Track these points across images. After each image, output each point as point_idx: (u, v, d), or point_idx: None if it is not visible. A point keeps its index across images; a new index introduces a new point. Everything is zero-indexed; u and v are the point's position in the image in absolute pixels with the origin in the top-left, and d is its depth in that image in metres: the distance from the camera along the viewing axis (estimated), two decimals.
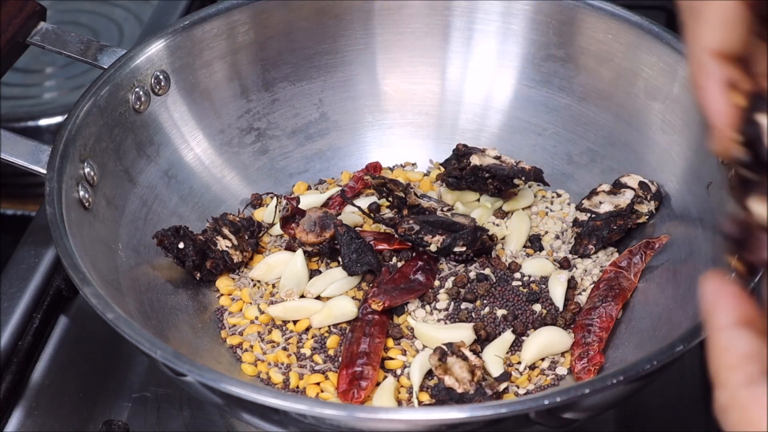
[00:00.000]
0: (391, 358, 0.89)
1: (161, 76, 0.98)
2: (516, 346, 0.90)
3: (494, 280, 0.93)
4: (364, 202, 1.01)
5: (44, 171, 0.86)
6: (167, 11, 1.36)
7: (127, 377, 0.95)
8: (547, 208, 1.02)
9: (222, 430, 0.93)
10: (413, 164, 1.08)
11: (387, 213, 1.00)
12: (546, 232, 1.00)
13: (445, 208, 0.97)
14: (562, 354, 0.89)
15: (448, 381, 0.81)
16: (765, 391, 0.50)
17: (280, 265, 0.95)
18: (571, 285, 0.94)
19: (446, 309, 0.92)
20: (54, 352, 0.97)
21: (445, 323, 0.91)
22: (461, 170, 0.98)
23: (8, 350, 0.94)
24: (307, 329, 0.92)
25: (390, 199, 0.96)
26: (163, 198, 0.98)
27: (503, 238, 0.98)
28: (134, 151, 0.96)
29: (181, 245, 0.91)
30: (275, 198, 1.02)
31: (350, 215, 1.00)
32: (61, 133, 0.89)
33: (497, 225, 1.00)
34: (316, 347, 0.90)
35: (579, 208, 0.99)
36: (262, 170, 1.05)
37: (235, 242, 0.95)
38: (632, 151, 1.01)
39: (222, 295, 0.95)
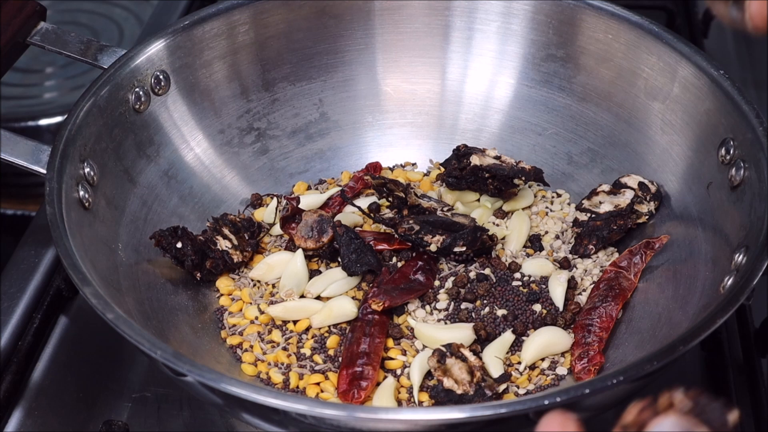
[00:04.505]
0: (391, 358, 0.89)
1: (161, 76, 0.98)
2: (516, 346, 0.90)
3: (494, 280, 0.93)
4: (364, 202, 1.01)
5: (44, 171, 0.86)
6: (167, 11, 1.36)
7: (127, 377, 0.95)
8: (547, 208, 1.02)
9: (222, 430, 0.93)
10: (413, 164, 1.08)
11: (387, 213, 1.00)
12: (546, 232, 1.00)
13: (445, 208, 0.97)
14: (562, 354, 0.89)
15: (447, 383, 0.81)
16: None
17: (280, 265, 0.95)
18: (571, 285, 0.94)
19: (446, 309, 0.92)
20: (54, 352, 0.97)
21: (445, 323, 0.91)
22: (461, 170, 0.98)
23: (8, 350, 0.94)
24: (307, 329, 0.92)
25: (390, 199, 0.96)
26: (163, 198, 0.98)
27: (503, 238, 0.98)
28: (134, 151, 0.96)
29: (179, 245, 0.91)
30: (275, 198, 1.02)
31: (350, 215, 1.00)
32: (61, 133, 0.89)
33: (497, 225, 1.00)
34: (316, 347, 0.90)
35: (579, 208, 0.99)
36: (262, 170, 1.05)
37: (235, 242, 0.95)
38: (632, 151, 1.01)
39: (222, 295, 0.95)
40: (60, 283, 0.99)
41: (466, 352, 0.83)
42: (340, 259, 0.94)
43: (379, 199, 1.00)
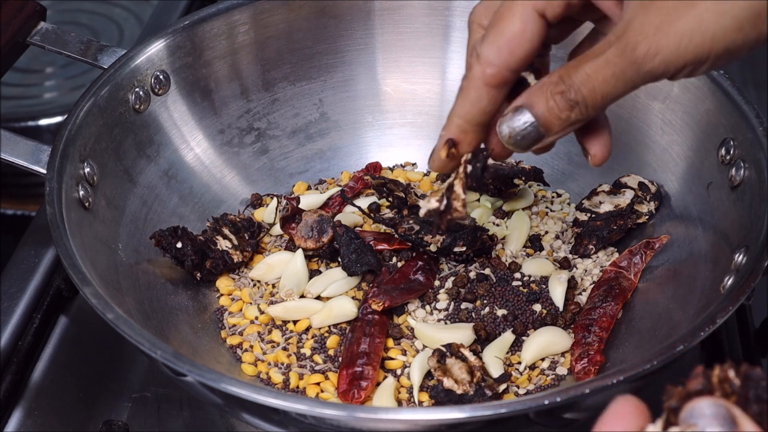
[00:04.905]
0: (391, 358, 0.89)
1: (161, 76, 0.98)
2: (516, 346, 0.90)
3: (494, 280, 0.93)
4: (364, 202, 1.01)
5: (44, 171, 0.86)
6: (167, 11, 1.36)
7: (127, 377, 0.95)
8: (547, 208, 1.02)
9: (222, 430, 0.93)
10: (413, 164, 1.08)
11: (387, 213, 1.00)
12: (546, 232, 1.00)
13: None
14: (562, 354, 0.89)
15: (447, 383, 0.81)
16: None
17: (280, 265, 0.95)
18: (571, 285, 0.94)
19: (446, 309, 0.92)
20: (54, 352, 0.97)
21: (445, 323, 0.91)
22: None
23: (8, 350, 0.94)
24: (307, 329, 0.92)
25: (390, 199, 0.96)
26: (163, 198, 0.98)
27: (503, 238, 0.98)
28: (134, 151, 0.96)
29: (179, 245, 0.91)
30: (275, 198, 1.02)
31: (350, 215, 1.00)
32: (61, 133, 0.89)
33: (497, 225, 1.00)
34: (316, 347, 0.90)
35: (579, 208, 0.99)
36: (262, 170, 1.05)
37: (236, 242, 0.95)
38: (632, 151, 1.00)
39: (222, 295, 0.95)
40: (60, 283, 0.99)
41: (466, 352, 0.83)
42: (340, 259, 0.94)
43: (379, 199, 1.00)
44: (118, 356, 0.97)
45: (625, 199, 0.97)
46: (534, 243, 0.99)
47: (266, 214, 1.01)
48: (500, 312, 0.91)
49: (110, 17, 1.44)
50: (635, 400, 0.49)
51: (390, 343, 0.90)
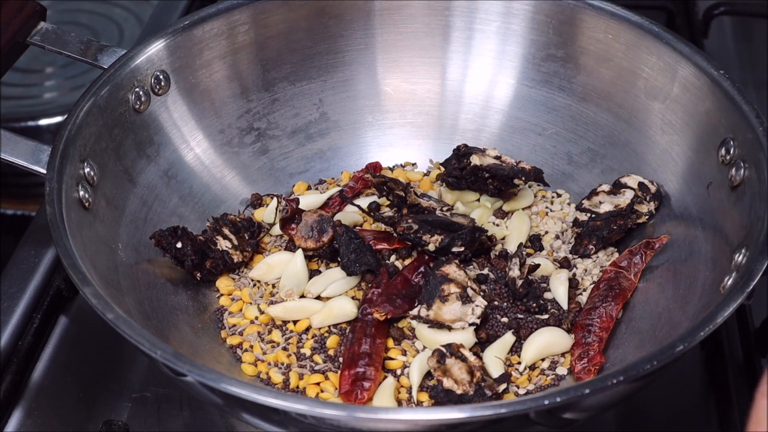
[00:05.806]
0: (392, 359, 0.89)
1: (161, 76, 0.98)
2: (516, 346, 0.90)
3: (494, 280, 0.93)
4: (363, 201, 1.01)
5: (44, 171, 0.86)
6: (167, 11, 1.36)
7: (127, 377, 0.95)
8: (547, 208, 1.02)
9: (222, 430, 0.93)
10: (413, 164, 1.08)
11: (387, 212, 1.00)
12: (546, 232, 1.00)
13: (444, 208, 0.96)
14: (562, 354, 0.89)
15: (447, 383, 0.81)
16: None
17: (280, 265, 0.95)
18: (572, 285, 0.94)
19: None
20: (54, 352, 0.97)
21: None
22: (461, 170, 0.98)
23: (8, 350, 0.94)
24: (307, 329, 0.92)
25: (390, 197, 0.96)
26: (163, 198, 0.98)
27: (503, 238, 0.98)
28: (134, 151, 0.96)
29: (179, 245, 0.91)
30: (275, 198, 1.02)
31: (350, 214, 1.00)
32: (61, 133, 0.89)
33: (497, 225, 1.00)
34: (316, 347, 0.90)
35: (579, 208, 0.99)
36: (262, 170, 1.05)
37: (236, 242, 0.95)
38: (632, 151, 1.01)
39: (222, 295, 0.95)
40: (60, 283, 0.99)
41: (466, 353, 0.83)
42: (339, 259, 0.94)
43: (379, 198, 1.00)
44: (118, 356, 0.97)
45: (625, 199, 0.97)
46: (534, 243, 0.99)
47: (266, 214, 1.01)
48: (503, 320, 0.91)
49: (110, 17, 1.43)
50: None
51: (390, 343, 0.90)
